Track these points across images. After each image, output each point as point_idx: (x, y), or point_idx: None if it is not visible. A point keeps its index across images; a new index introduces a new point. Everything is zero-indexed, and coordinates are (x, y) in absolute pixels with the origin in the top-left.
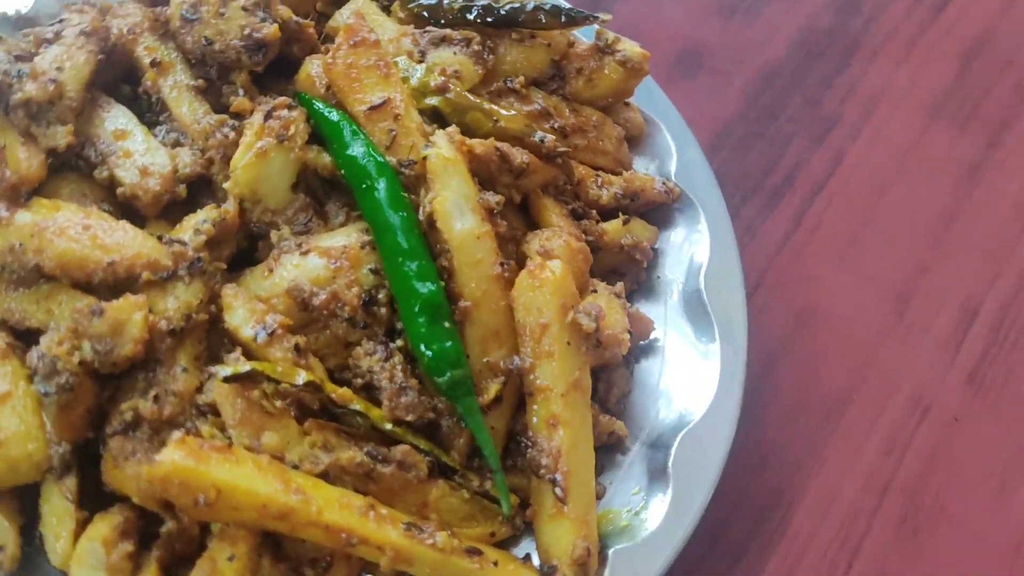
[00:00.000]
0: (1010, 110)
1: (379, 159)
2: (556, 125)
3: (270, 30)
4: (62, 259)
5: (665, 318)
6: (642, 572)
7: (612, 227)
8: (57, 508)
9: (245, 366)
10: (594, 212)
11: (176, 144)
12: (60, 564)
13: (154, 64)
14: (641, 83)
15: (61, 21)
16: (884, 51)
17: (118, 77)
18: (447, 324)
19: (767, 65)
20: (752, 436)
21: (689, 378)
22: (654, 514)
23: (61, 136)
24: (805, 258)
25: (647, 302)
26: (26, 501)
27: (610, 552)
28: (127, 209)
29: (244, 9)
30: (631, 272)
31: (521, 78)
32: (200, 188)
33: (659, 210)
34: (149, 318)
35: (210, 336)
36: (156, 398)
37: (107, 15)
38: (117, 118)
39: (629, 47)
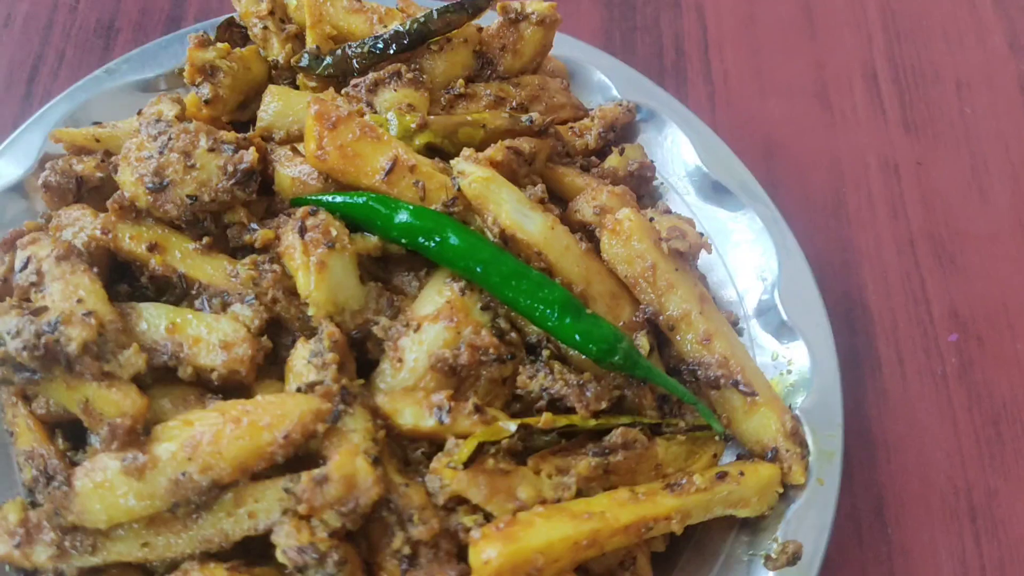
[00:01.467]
0: None
1: (430, 214)
2: (515, 104)
3: (252, 156)
4: (238, 459)
5: (693, 215)
6: (828, 417)
7: (615, 161)
8: None
9: (466, 446)
10: (593, 158)
11: (225, 306)
12: None
13: (152, 248)
14: None
15: (26, 266)
16: None
17: (107, 282)
18: (587, 312)
19: None
20: None
21: (748, 254)
22: (802, 367)
23: (135, 357)
24: (737, 102)
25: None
26: None
27: (796, 413)
28: (225, 389)
29: (211, 151)
30: (645, 189)
31: (460, 81)
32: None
33: (626, 130)
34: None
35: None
36: (419, 520)
37: (57, 233)
38: (156, 317)
39: (536, 5)
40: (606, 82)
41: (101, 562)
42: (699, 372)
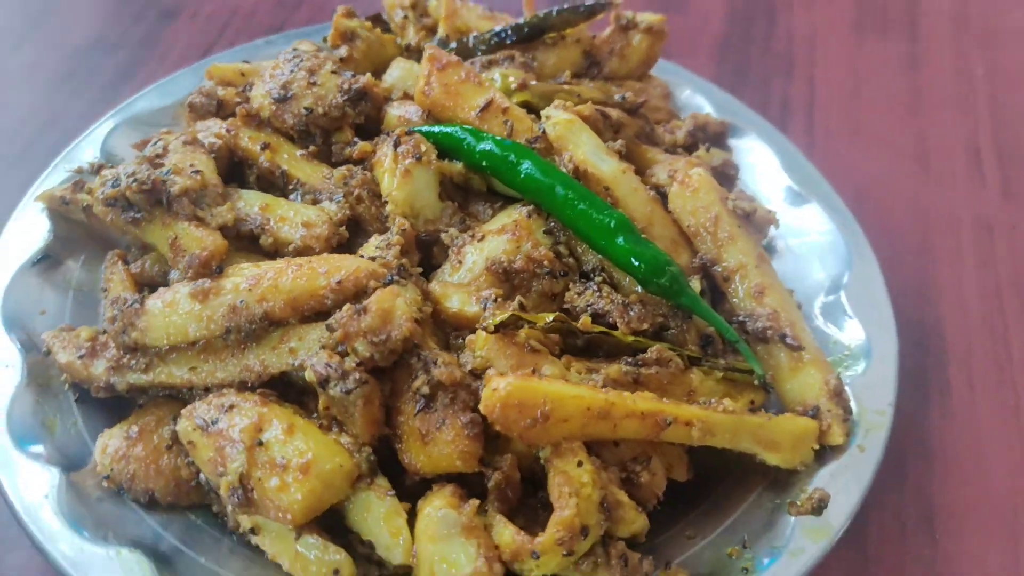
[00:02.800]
0: (910, 14)
1: (513, 144)
2: (640, 99)
3: (366, 79)
4: (292, 295)
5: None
6: (881, 394)
7: (701, 154)
8: (380, 509)
9: (503, 314)
10: (679, 150)
11: (316, 202)
12: (404, 558)
13: (265, 147)
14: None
15: (156, 143)
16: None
17: (224, 178)
18: (642, 236)
19: (716, 40)
20: None
21: (819, 252)
22: (859, 346)
23: (225, 213)
24: (833, 154)
25: None
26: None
27: (847, 386)
28: None
29: (333, 72)
30: (727, 188)
31: (567, 73)
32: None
33: (719, 143)
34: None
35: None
36: (445, 364)
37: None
38: (255, 198)
39: (647, 16)
40: (704, 104)
41: (149, 382)
42: (748, 324)
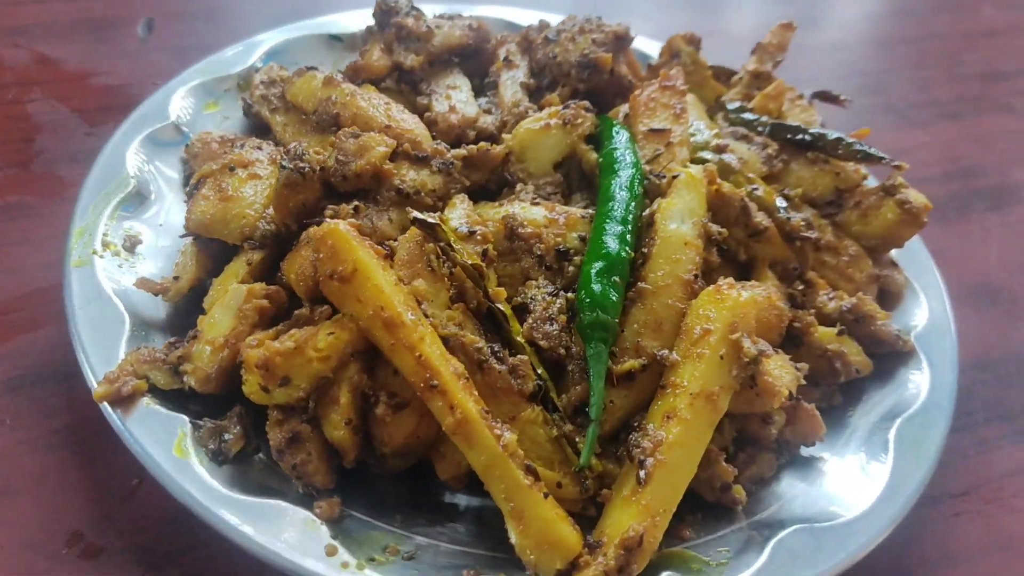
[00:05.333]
0: None
1: (635, 158)
2: (813, 235)
3: (603, 55)
4: (354, 112)
5: (844, 443)
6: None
7: (824, 330)
8: (233, 268)
9: (434, 218)
10: (812, 313)
11: (488, 111)
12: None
13: (506, 60)
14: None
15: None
16: None
17: (479, 71)
18: (617, 280)
19: None
20: None
21: (836, 506)
22: None
23: (411, 60)
24: None
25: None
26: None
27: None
28: None
29: (592, 41)
30: (824, 385)
31: (799, 190)
32: None
33: (882, 358)
34: (387, 166)
35: None
36: (357, 210)
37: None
38: (456, 78)
39: (914, 193)
40: (923, 319)
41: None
42: (634, 434)
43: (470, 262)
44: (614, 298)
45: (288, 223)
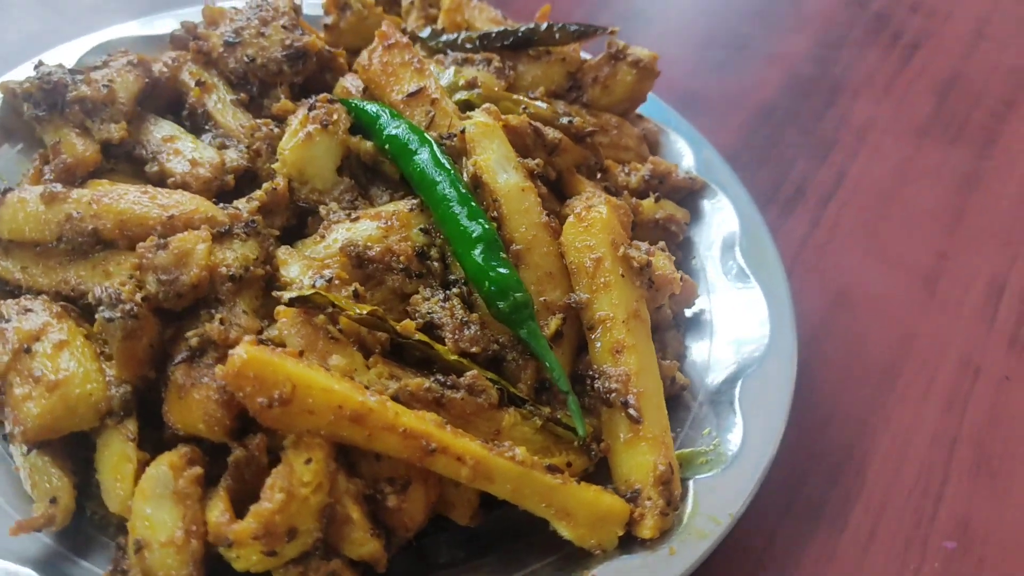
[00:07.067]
0: (991, 131)
1: (420, 133)
2: (594, 126)
3: (309, 39)
4: (121, 218)
5: (707, 290)
6: (725, 502)
7: (646, 203)
8: (117, 451)
9: (309, 290)
10: (626, 192)
11: (222, 147)
12: (119, 508)
13: (199, 84)
14: (649, 101)
15: (108, 56)
16: (865, 91)
17: (162, 107)
18: (503, 255)
19: (760, 106)
20: (811, 400)
21: (740, 336)
22: (730, 448)
23: (115, 131)
24: (830, 252)
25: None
26: (78, 461)
27: (691, 483)
28: None
29: (284, 28)
30: (669, 245)
31: (541, 89)
32: (246, 184)
33: (684, 201)
34: (211, 259)
35: (267, 302)
36: (222, 322)
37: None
38: (165, 128)
39: (639, 50)
40: (687, 158)
41: None
42: (597, 382)
43: (365, 312)
44: (510, 271)
45: (145, 374)
